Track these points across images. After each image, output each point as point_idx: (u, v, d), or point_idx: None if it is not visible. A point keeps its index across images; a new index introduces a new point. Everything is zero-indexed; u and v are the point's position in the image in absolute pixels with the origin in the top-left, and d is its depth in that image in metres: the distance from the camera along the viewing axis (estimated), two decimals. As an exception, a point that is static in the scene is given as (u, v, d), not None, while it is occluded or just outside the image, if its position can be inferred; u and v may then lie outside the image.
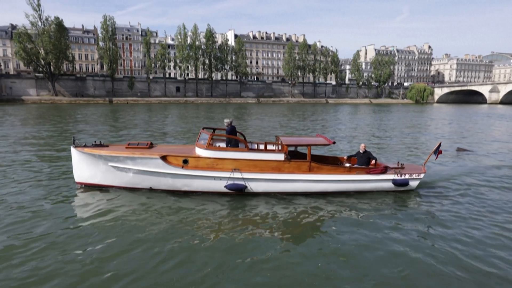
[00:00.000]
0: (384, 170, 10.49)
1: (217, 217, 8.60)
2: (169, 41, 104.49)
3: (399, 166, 10.98)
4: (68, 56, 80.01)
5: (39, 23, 74.57)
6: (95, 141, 10.61)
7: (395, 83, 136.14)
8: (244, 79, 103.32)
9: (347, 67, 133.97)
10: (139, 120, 37.27)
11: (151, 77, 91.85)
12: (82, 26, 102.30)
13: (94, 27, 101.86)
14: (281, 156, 9.88)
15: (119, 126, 30.12)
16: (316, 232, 8.02)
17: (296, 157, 10.91)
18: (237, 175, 9.68)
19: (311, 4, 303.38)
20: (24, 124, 30.42)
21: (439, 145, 10.82)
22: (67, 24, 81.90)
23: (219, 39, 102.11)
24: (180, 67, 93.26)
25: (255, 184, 9.90)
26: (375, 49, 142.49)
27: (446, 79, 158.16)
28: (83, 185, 10.38)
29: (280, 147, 10.37)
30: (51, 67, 76.69)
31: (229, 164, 9.72)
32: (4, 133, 23.62)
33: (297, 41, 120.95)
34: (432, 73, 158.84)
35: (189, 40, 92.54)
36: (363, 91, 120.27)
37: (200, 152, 9.89)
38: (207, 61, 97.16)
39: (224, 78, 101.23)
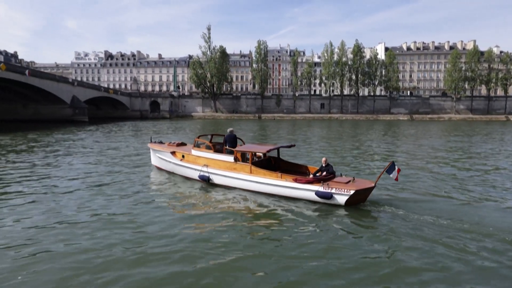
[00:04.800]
0: (312, 181, 10.63)
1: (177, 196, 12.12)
2: (316, 59, 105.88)
3: (350, 180, 10.62)
4: (228, 78, 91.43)
5: (208, 52, 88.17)
6: (158, 140, 16.63)
7: None
8: (394, 94, 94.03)
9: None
10: (277, 134, 37.82)
11: (296, 94, 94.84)
12: (240, 51, 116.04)
13: (250, 51, 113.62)
14: (231, 158, 12.40)
15: (260, 138, 31.23)
16: (226, 222, 9.15)
17: (276, 163, 13.33)
18: (205, 169, 12.92)
19: (483, 2, 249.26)
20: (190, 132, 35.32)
21: (392, 164, 10.21)
22: (229, 50, 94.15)
23: (367, 54, 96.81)
24: (325, 84, 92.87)
25: (215, 177, 12.79)
26: None
27: None
28: (155, 167, 16.15)
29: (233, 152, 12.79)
30: (214, 88, 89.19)
31: (202, 161, 13.16)
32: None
33: (464, 48, 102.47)
34: None
35: (335, 57, 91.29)
36: None
37: (192, 151, 13.76)
38: (353, 77, 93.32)
39: (372, 93, 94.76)
